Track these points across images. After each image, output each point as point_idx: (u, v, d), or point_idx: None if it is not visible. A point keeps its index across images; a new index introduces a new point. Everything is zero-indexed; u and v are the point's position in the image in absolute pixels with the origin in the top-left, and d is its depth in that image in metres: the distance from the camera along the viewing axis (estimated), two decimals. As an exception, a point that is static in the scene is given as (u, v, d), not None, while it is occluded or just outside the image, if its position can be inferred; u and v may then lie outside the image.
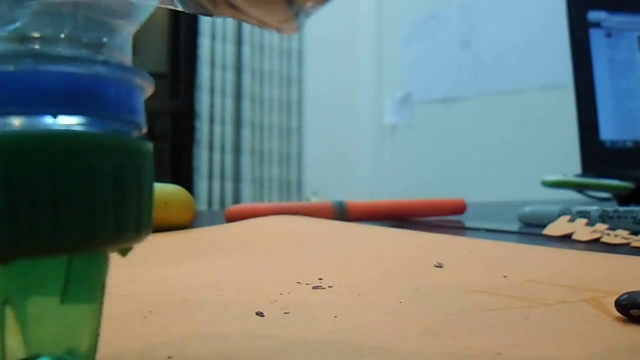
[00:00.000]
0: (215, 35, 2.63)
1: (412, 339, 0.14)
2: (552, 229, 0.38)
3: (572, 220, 0.39)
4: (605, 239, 0.35)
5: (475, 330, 0.15)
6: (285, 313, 0.17)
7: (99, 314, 0.12)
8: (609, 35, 0.75)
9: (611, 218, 0.39)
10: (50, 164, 0.09)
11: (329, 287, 0.21)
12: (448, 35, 2.60)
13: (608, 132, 0.74)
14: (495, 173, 2.43)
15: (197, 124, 2.62)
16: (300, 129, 2.88)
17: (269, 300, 0.19)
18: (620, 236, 0.35)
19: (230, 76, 2.66)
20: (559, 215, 0.41)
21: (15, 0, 0.10)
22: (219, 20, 2.63)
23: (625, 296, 0.16)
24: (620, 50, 0.75)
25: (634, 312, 0.16)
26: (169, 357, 0.13)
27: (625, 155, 0.73)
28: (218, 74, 2.63)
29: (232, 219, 0.44)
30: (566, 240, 0.36)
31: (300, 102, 2.88)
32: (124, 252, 0.12)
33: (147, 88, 0.11)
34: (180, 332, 0.15)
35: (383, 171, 2.94)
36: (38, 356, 0.10)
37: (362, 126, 3.03)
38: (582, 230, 0.37)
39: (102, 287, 0.12)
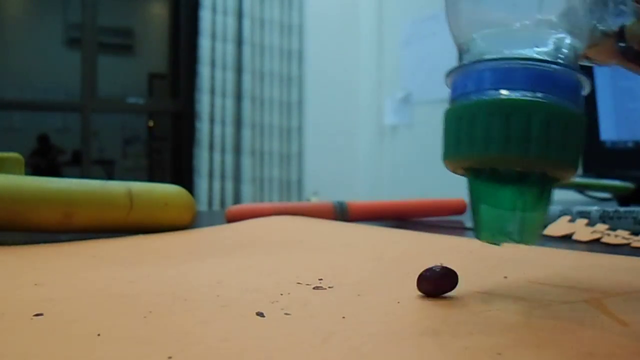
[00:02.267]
0: (215, 35, 2.63)
1: (411, 338, 0.14)
2: (552, 229, 0.38)
3: (572, 221, 0.39)
4: (605, 239, 0.35)
5: (475, 330, 0.15)
6: (286, 313, 0.17)
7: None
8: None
9: (611, 218, 0.39)
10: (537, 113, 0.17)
11: (329, 287, 0.21)
12: (448, 36, 2.60)
13: (608, 132, 0.74)
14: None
15: (197, 124, 2.62)
16: (300, 129, 2.88)
17: (269, 300, 0.19)
18: (620, 236, 0.35)
19: (230, 76, 2.66)
20: (559, 216, 0.41)
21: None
22: (219, 21, 2.63)
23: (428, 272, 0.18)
24: (621, 50, 0.75)
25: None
26: (169, 358, 0.13)
27: (626, 155, 0.73)
28: (218, 74, 2.63)
29: (232, 219, 0.44)
30: (566, 240, 0.36)
31: (300, 102, 2.88)
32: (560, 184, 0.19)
33: (584, 83, 0.18)
34: (181, 332, 0.15)
35: (383, 171, 2.94)
36: None
37: (362, 126, 3.03)
38: (582, 231, 0.37)
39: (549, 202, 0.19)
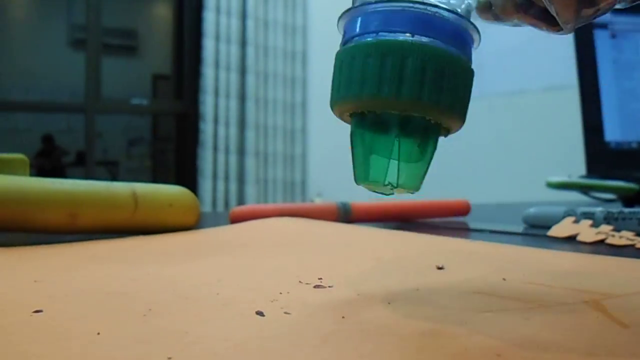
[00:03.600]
0: (219, 36, 2.63)
1: (412, 339, 0.14)
2: (557, 230, 0.38)
3: (576, 222, 0.39)
4: (609, 240, 0.34)
5: (474, 331, 0.15)
6: (286, 312, 0.17)
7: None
8: (613, 36, 0.75)
9: (616, 219, 0.39)
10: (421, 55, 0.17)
11: (329, 286, 0.21)
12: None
13: (612, 133, 0.73)
14: (499, 174, 2.42)
15: (201, 125, 2.63)
16: (304, 130, 2.88)
17: (269, 299, 0.19)
18: (624, 237, 0.34)
19: (234, 77, 2.66)
20: (564, 217, 0.41)
21: None
22: (223, 22, 2.63)
23: None
24: (625, 50, 0.75)
25: None
26: (169, 358, 0.13)
27: (630, 156, 0.73)
28: (222, 75, 2.64)
29: (236, 220, 0.44)
30: (570, 241, 0.36)
31: (304, 103, 2.88)
32: (446, 133, 0.19)
33: (473, 34, 0.18)
34: (180, 331, 0.15)
35: (387, 172, 2.94)
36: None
37: (366, 127, 3.02)
38: (586, 232, 0.37)
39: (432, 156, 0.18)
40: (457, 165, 2.57)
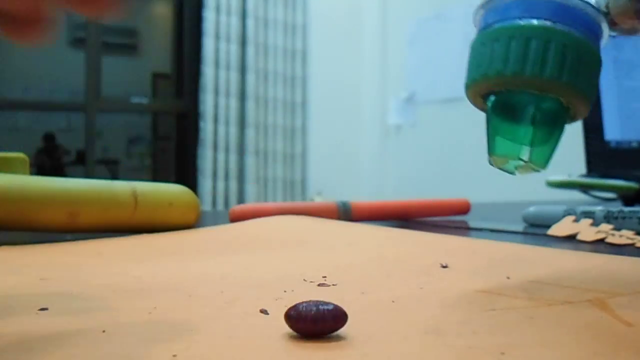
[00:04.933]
0: (219, 35, 2.63)
1: (415, 337, 0.14)
2: (557, 229, 0.38)
3: (576, 221, 0.39)
4: (609, 239, 0.34)
5: (479, 330, 0.15)
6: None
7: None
8: (613, 36, 0.75)
9: (616, 218, 0.39)
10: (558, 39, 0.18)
11: (333, 284, 0.21)
12: (452, 35, 2.59)
13: (613, 132, 0.73)
14: (499, 173, 2.42)
15: (201, 124, 2.62)
16: (304, 129, 2.88)
17: (273, 297, 0.19)
18: (624, 236, 0.35)
19: (234, 76, 2.66)
20: (564, 216, 0.41)
21: None
22: (223, 21, 2.63)
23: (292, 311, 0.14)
24: (625, 50, 0.75)
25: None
26: (174, 356, 0.13)
27: (630, 155, 0.73)
28: (222, 74, 2.63)
29: (236, 218, 0.44)
30: (571, 240, 0.36)
31: (304, 102, 2.88)
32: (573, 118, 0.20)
33: (604, 28, 0.19)
34: (185, 329, 0.15)
35: (387, 171, 2.94)
36: None
37: (366, 126, 3.02)
38: (586, 231, 0.37)
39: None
40: (457, 164, 2.57)
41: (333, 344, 0.14)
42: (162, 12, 4.07)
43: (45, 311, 0.17)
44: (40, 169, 3.40)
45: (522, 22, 0.18)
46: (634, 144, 0.74)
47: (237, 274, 0.23)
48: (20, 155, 0.36)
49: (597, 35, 0.19)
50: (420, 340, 0.14)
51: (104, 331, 0.15)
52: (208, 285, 0.20)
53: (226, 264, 0.25)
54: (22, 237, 0.34)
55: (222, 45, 2.63)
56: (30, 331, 0.15)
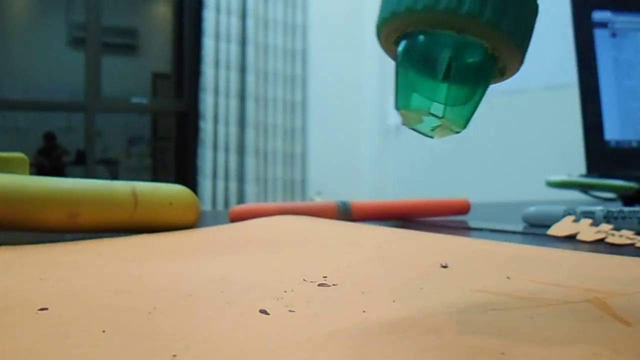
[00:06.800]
0: (219, 35, 2.63)
1: (415, 337, 0.14)
2: (556, 229, 0.38)
3: (576, 221, 0.39)
4: (609, 239, 0.34)
5: (479, 330, 0.15)
6: (290, 310, 0.17)
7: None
8: (613, 35, 0.75)
9: (615, 218, 0.39)
10: None
11: (333, 284, 0.21)
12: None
13: (612, 132, 0.74)
14: (499, 173, 2.42)
15: (201, 124, 2.63)
16: (304, 129, 2.88)
17: (273, 297, 0.19)
18: (624, 236, 0.35)
19: (234, 76, 2.66)
20: (563, 216, 0.41)
21: None
22: (223, 20, 2.63)
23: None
24: (625, 50, 0.75)
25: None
26: (174, 356, 0.13)
27: (630, 155, 0.73)
28: (222, 74, 2.63)
29: (235, 218, 0.44)
30: (570, 240, 0.36)
31: (304, 102, 2.88)
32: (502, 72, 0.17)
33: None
34: (185, 329, 0.15)
35: (387, 171, 2.94)
36: None
37: (366, 126, 3.02)
38: (586, 231, 0.37)
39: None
40: (457, 164, 2.57)
41: (333, 344, 0.14)
42: (162, 12, 4.07)
43: (45, 311, 0.17)
44: (40, 169, 3.40)
45: None
46: (634, 144, 0.74)
47: (237, 274, 0.23)
48: (20, 155, 0.36)
49: None
50: (420, 340, 0.14)
51: (104, 331, 0.15)
52: (208, 285, 0.20)
53: (226, 264, 0.25)
54: (23, 237, 0.34)
55: (222, 45, 2.64)
56: (30, 331, 0.15)
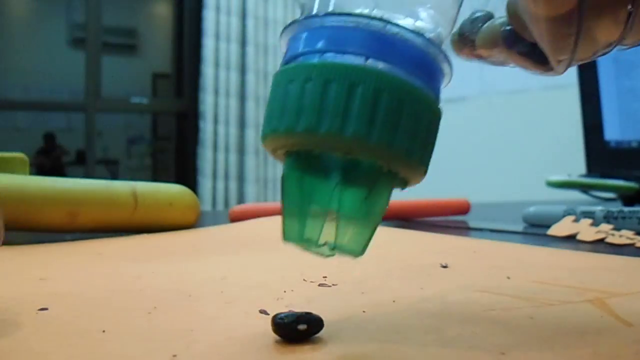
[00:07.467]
0: (219, 35, 2.63)
1: (415, 337, 0.14)
2: (557, 229, 0.38)
3: (576, 221, 0.39)
4: (609, 239, 0.34)
5: (479, 330, 0.15)
6: (290, 310, 0.17)
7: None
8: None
9: (615, 218, 0.39)
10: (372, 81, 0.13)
11: (333, 284, 0.21)
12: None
13: (612, 132, 0.74)
14: (499, 173, 2.42)
15: (201, 124, 2.62)
16: (304, 129, 2.88)
17: (273, 297, 0.19)
18: (624, 236, 0.35)
19: (234, 76, 2.66)
20: (563, 216, 0.41)
21: None
22: (223, 21, 2.63)
23: (284, 314, 0.14)
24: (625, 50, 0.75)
25: (301, 327, 0.14)
26: (174, 356, 0.13)
27: (630, 155, 0.73)
28: (222, 74, 2.63)
29: (235, 219, 0.44)
30: (570, 240, 0.36)
31: (304, 102, 2.88)
32: (404, 185, 0.15)
33: (444, 67, 0.14)
34: (185, 329, 0.15)
35: (387, 171, 2.94)
36: None
37: (366, 126, 3.02)
38: (586, 231, 0.37)
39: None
40: (457, 164, 2.57)
41: (333, 344, 0.14)
42: (162, 12, 4.07)
43: (45, 311, 0.17)
44: (40, 169, 3.40)
45: (323, 59, 0.14)
46: (634, 144, 0.74)
47: (237, 274, 0.23)
48: (20, 155, 0.36)
49: (431, 75, 0.14)
50: (420, 340, 0.14)
51: (104, 331, 0.15)
52: (208, 285, 0.20)
53: (226, 264, 0.25)
54: (24, 237, 0.34)
55: (222, 45, 2.64)
56: (30, 331, 0.15)
